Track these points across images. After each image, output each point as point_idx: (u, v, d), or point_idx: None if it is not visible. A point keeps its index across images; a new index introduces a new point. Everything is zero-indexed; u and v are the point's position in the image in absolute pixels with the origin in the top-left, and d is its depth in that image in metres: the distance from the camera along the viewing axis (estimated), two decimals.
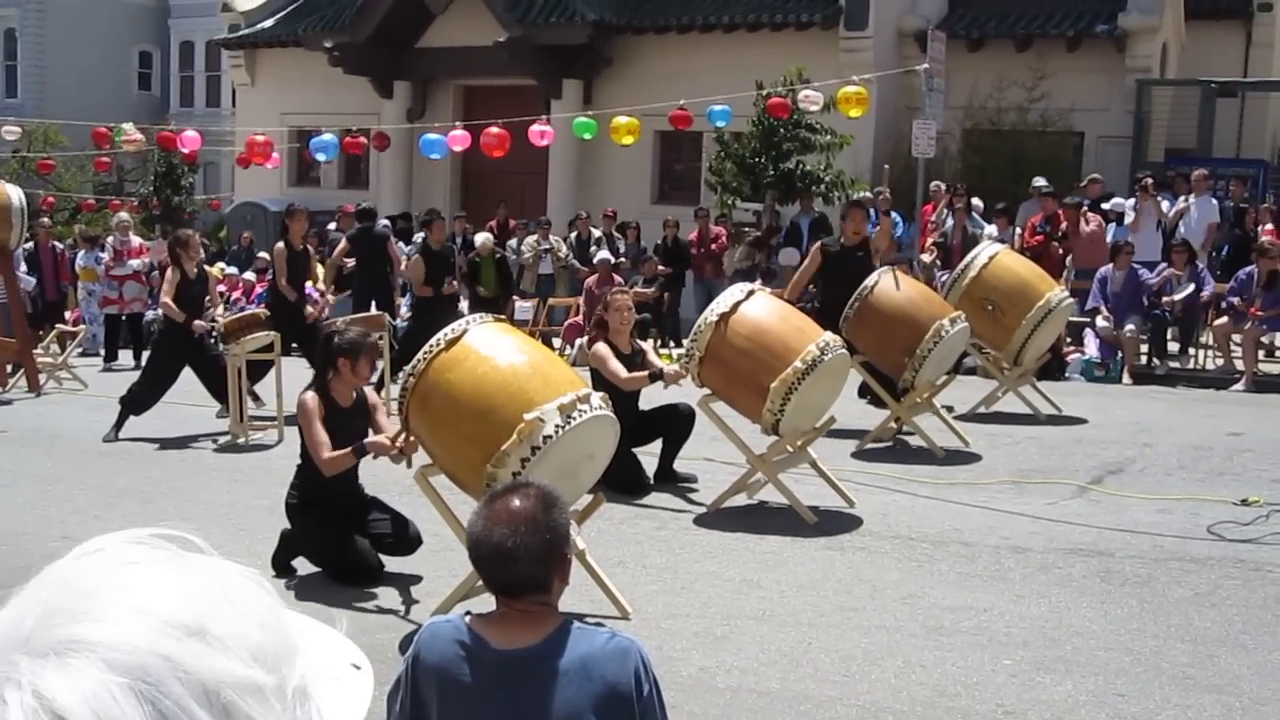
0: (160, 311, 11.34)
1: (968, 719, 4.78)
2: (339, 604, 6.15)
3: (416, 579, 6.53)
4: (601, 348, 8.39)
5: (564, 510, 2.73)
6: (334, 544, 6.53)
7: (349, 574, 6.51)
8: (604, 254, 17.18)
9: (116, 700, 0.77)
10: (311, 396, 6.50)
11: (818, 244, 11.06)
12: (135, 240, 17.57)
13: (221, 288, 16.08)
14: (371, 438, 6.29)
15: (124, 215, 18.86)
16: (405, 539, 6.61)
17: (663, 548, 7.16)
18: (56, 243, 17.12)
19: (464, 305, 14.93)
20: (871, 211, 13.68)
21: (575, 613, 5.13)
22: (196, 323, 10.76)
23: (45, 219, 17.89)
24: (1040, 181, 16.62)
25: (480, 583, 5.53)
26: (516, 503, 2.68)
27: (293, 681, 0.87)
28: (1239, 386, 13.00)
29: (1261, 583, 6.41)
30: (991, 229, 15.87)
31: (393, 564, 6.64)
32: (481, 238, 16.54)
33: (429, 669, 2.70)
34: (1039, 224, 15.94)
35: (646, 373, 8.23)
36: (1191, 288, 13.86)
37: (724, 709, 4.86)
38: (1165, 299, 13.98)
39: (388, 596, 6.32)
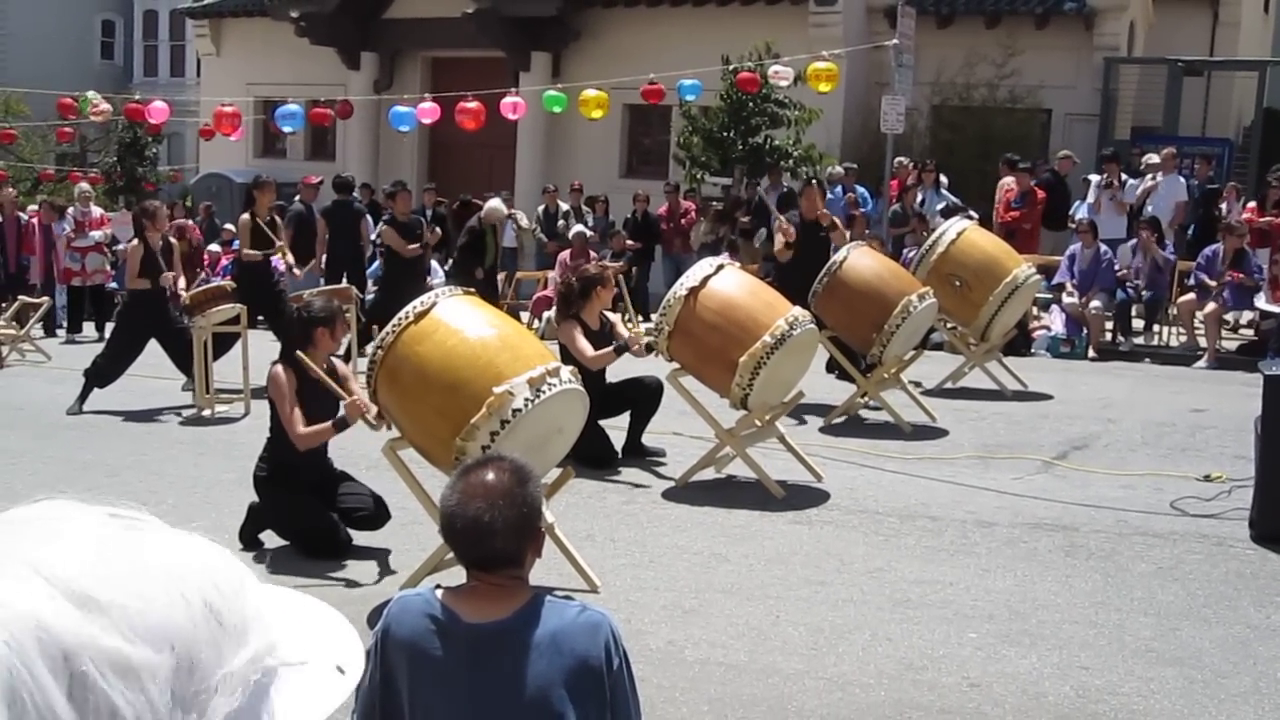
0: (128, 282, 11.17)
1: (934, 691, 4.81)
2: (307, 577, 6.13)
3: (385, 552, 6.51)
4: (570, 325, 8.37)
5: (537, 484, 2.73)
6: (303, 516, 6.51)
7: (318, 547, 6.49)
8: (579, 227, 17.10)
9: None
10: (283, 369, 6.45)
11: (785, 217, 11.08)
12: (96, 211, 17.38)
13: None
14: (347, 402, 6.24)
15: (85, 186, 18.64)
16: (374, 513, 6.59)
17: (631, 522, 7.17)
18: (20, 214, 16.88)
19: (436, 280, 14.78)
20: (829, 188, 13.76)
21: (544, 586, 5.13)
22: (164, 275, 10.61)
23: (10, 189, 17.64)
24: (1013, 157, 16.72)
25: (449, 556, 5.52)
26: (491, 476, 2.67)
27: (223, 668, 0.84)
28: (1202, 363, 13.11)
29: (1223, 557, 6.49)
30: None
31: (361, 538, 6.62)
32: (493, 203, 15.97)
33: (399, 642, 2.69)
34: (1014, 200, 16.00)
35: (611, 349, 8.22)
36: (1149, 260, 13.95)
37: (692, 682, 4.88)
38: (1124, 270, 14.07)
39: (356, 570, 6.30)
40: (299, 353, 6.27)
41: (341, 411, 6.19)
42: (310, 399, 6.41)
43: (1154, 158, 16.56)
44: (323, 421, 6.36)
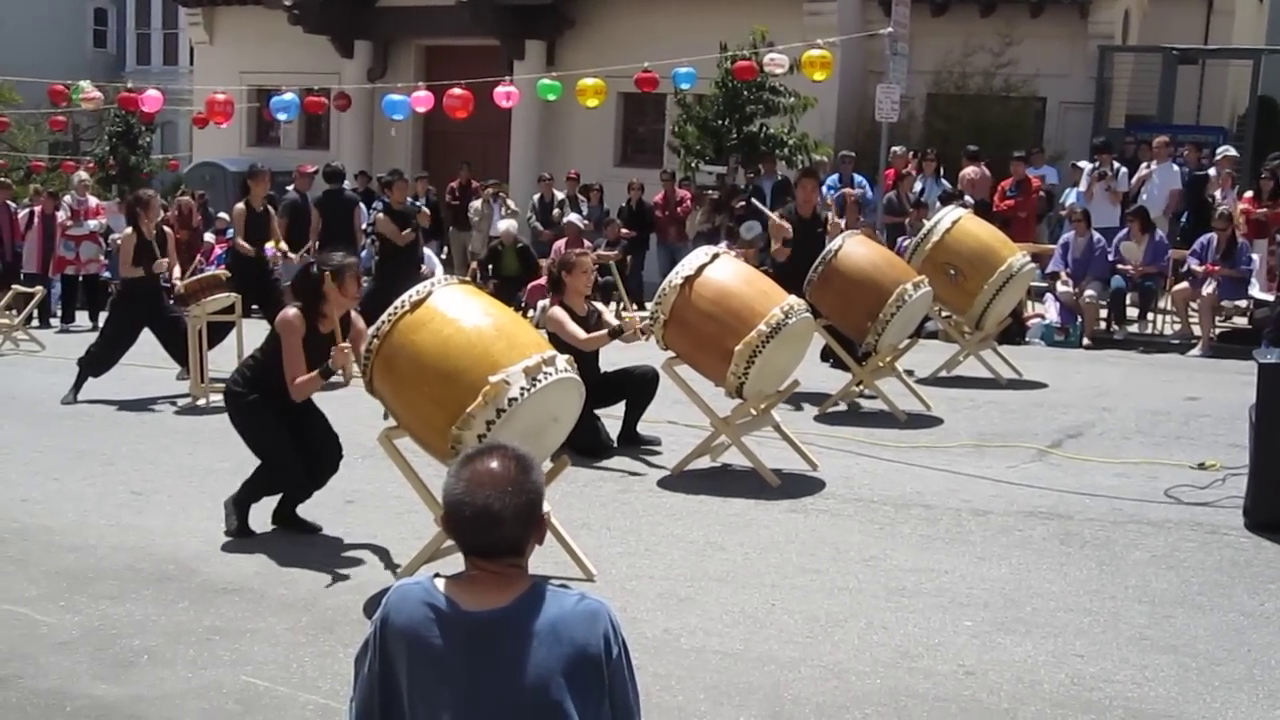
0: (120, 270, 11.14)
1: (929, 679, 4.83)
2: (301, 566, 6.14)
3: (382, 544, 6.51)
4: (558, 311, 8.36)
5: (539, 472, 2.73)
6: (270, 431, 6.57)
7: (279, 468, 6.59)
8: (573, 216, 17.08)
9: None
10: (296, 314, 6.45)
11: (780, 212, 11.08)
12: (92, 200, 17.35)
13: None
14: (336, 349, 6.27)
15: (83, 175, 18.62)
16: (329, 450, 6.67)
17: (627, 510, 7.18)
18: (11, 202, 16.84)
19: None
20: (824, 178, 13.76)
21: (542, 575, 5.14)
22: (159, 261, 10.54)
23: (3, 179, 17.60)
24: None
25: (446, 544, 5.53)
26: (496, 464, 2.66)
27: None
28: (1196, 351, 13.14)
29: (1217, 545, 6.51)
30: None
31: (357, 527, 6.63)
32: (505, 225, 16.40)
33: (398, 631, 2.69)
34: (1009, 188, 16.02)
35: (606, 330, 8.22)
36: (1148, 249, 13.98)
37: (688, 670, 4.89)
38: (1122, 265, 14.08)
39: (352, 558, 6.30)
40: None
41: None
42: (313, 353, 6.38)
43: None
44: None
